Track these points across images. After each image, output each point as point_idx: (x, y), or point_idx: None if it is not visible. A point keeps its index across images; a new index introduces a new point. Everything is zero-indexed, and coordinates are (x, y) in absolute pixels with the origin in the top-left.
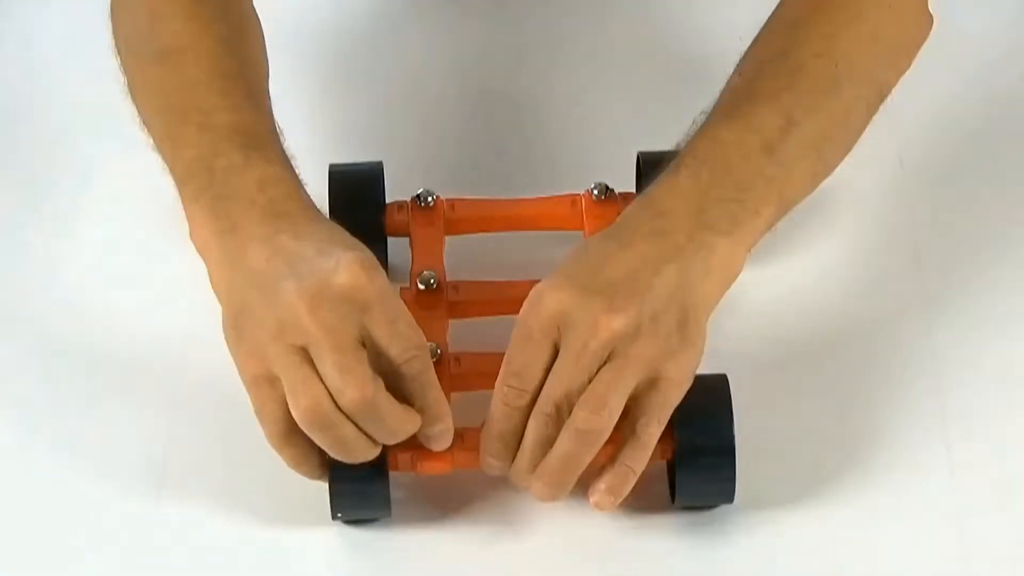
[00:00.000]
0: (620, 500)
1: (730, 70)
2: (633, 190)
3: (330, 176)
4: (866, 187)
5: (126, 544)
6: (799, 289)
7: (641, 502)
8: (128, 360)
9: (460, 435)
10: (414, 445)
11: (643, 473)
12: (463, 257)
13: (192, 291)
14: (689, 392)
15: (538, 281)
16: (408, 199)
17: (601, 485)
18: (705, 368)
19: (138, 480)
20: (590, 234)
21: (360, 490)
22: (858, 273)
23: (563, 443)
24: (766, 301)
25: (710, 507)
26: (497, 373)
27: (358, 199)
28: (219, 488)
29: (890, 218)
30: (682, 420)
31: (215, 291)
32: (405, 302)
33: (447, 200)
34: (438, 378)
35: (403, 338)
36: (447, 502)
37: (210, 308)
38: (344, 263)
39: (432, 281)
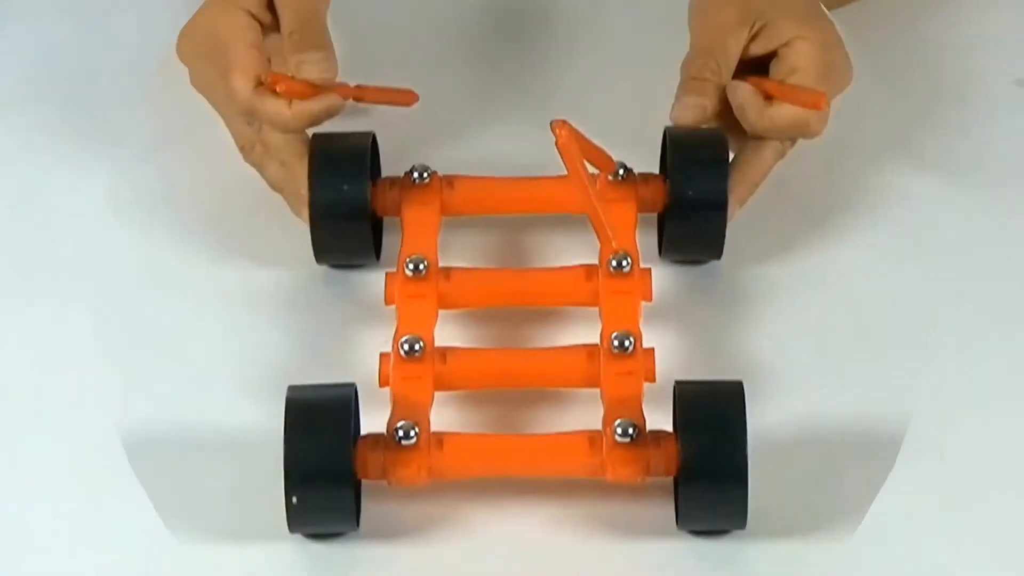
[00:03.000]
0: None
1: None
2: (656, 171)
3: (312, 145)
4: (878, 196)
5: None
6: (823, 286)
7: (641, 524)
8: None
9: (439, 440)
10: (385, 450)
11: (643, 492)
12: (458, 241)
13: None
14: (698, 399)
15: (540, 270)
16: (401, 175)
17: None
18: (718, 373)
19: (97, 483)
20: (604, 217)
21: (323, 500)
22: (882, 273)
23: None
24: (787, 303)
25: (719, 533)
26: (487, 373)
27: (344, 173)
28: (171, 497)
29: (908, 230)
30: (688, 430)
31: None
32: (391, 289)
33: (444, 177)
34: (421, 375)
35: None
36: (422, 514)
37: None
38: None
39: (421, 266)
